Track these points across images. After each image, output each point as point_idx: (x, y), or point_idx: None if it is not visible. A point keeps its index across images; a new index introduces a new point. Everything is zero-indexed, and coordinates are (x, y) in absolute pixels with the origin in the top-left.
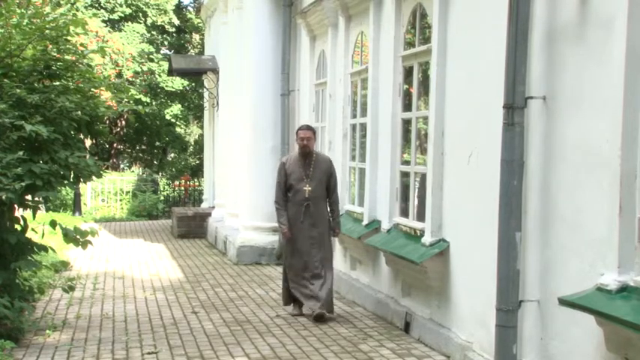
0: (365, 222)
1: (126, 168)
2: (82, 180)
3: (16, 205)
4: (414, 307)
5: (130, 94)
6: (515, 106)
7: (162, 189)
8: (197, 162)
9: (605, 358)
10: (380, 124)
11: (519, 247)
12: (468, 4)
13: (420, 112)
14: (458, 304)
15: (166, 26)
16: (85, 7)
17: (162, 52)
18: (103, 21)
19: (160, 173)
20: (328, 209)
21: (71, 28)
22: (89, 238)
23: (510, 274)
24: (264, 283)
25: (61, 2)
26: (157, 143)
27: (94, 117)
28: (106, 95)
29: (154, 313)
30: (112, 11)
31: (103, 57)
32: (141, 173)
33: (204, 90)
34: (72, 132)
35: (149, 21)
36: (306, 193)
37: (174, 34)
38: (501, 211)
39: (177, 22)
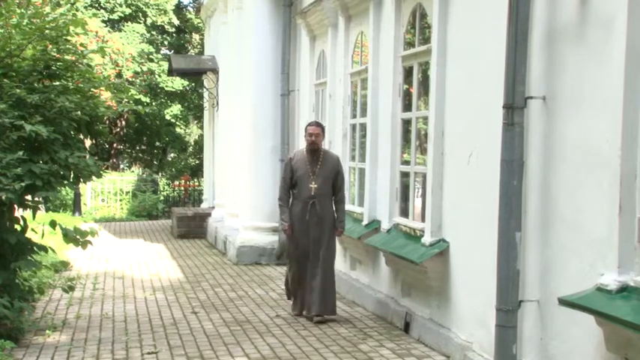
0: (365, 222)
1: (126, 168)
2: (81, 180)
3: (15, 205)
4: (414, 307)
5: (129, 94)
6: (515, 106)
7: (162, 189)
8: (197, 162)
9: (605, 358)
10: (380, 124)
11: (519, 247)
12: (468, 4)
13: (419, 112)
14: (458, 304)
15: (166, 26)
16: (85, 7)
17: (162, 52)
18: (103, 21)
19: (160, 173)
20: (334, 208)
21: (71, 28)
22: (89, 238)
23: (510, 274)
24: (264, 283)
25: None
26: (157, 143)
27: (94, 117)
28: (105, 95)
29: (153, 313)
30: (112, 11)
31: (103, 57)
32: (141, 173)
33: (204, 90)
34: (72, 132)
35: (149, 21)
36: (312, 191)
37: (174, 34)
38: (501, 211)
39: (177, 22)
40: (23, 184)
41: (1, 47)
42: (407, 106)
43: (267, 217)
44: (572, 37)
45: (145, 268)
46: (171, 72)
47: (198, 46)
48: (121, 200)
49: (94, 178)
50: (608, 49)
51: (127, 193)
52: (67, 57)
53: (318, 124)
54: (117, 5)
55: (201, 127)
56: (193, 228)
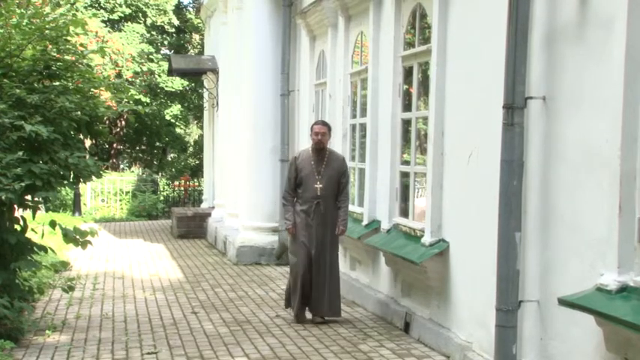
0: (365, 222)
1: (126, 168)
2: (81, 180)
3: (15, 206)
4: (414, 307)
5: (129, 94)
6: (514, 106)
7: (161, 189)
8: (197, 162)
9: (605, 359)
10: (380, 124)
11: (519, 247)
12: (468, 4)
13: (419, 112)
14: (458, 304)
15: (166, 26)
16: (85, 8)
17: (161, 52)
18: (103, 21)
19: (160, 173)
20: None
21: (71, 28)
22: (89, 238)
23: (510, 274)
24: (264, 284)
25: (61, 2)
26: (157, 143)
27: (94, 117)
28: (105, 95)
29: (153, 314)
30: (112, 11)
31: (103, 57)
32: (140, 173)
33: (204, 90)
34: (72, 132)
35: (149, 21)
36: (318, 191)
37: (173, 35)
38: (501, 211)
39: (176, 22)
40: (23, 184)
41: (1, 47)
42: (407, 106)
43: (267, 217)
44: (572, 37)
45: (144, 268)
46: (171, 72)
47: (198, 47)
48: (120, 200)
49: (93, 178)
50: (608, 49)
51: (127, 193)
52: (67, 57)
53: (324, 123)
54: (117, 5)
55: (201, 127)
56: (193, 228)
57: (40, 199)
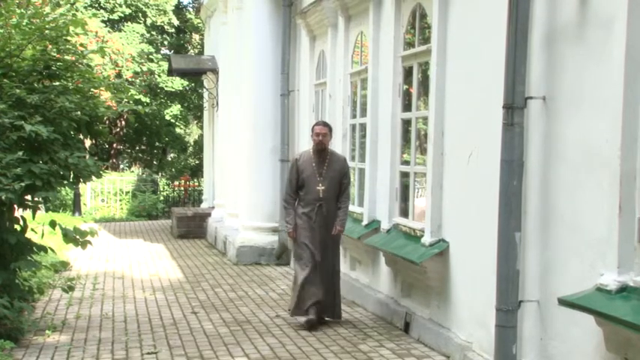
0: (365, 222)
1: (126, 168)
2: (81, 180)
3: (15, 206)
4: (414, 307)
5: (129, 94)
6: (514, 106)
7: (161, 189)
8: (197, 162)
9: (605, 359)
10: (380, 124)
11: (519, 247)
12: (468, 4)
13: (419, 112)
14: (457, 304)
15: (166, 26)
16: (85, 8)
17: (161, 52)
18: (103, 21)
19: (160, 173)
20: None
21: (71, 28)
22: (89, 238)
23: (510, 274)
24: (264, 284)
25: (61, 2)
26: (157, 143)
27: (94, 117)
28: (105, 95)
29: (153, 314)
30: (112, 11)
31: (103, 57)
32: (140, 173)
33: (204, 90)
34: (72, 132)
35: (149, 21)
36: (320, 193)
37: (173, 35)
38: (501, 211)
39: (176, 22)
40: (23, 184)
41: (1, 47)
42: (407, 106)
43: (267, 217)
44: (572, 37)
45: (144, 268)
46: (171, 72)
47: (198, 47)
48: (120, 200)
49: (93, 178)
50: (608, 49)
51: (127, 193)
52: (66, 57)
53: (325, 124)
54: (117, 5)
55: (201, 127)
56: (193, 228)
57: (40, 199)
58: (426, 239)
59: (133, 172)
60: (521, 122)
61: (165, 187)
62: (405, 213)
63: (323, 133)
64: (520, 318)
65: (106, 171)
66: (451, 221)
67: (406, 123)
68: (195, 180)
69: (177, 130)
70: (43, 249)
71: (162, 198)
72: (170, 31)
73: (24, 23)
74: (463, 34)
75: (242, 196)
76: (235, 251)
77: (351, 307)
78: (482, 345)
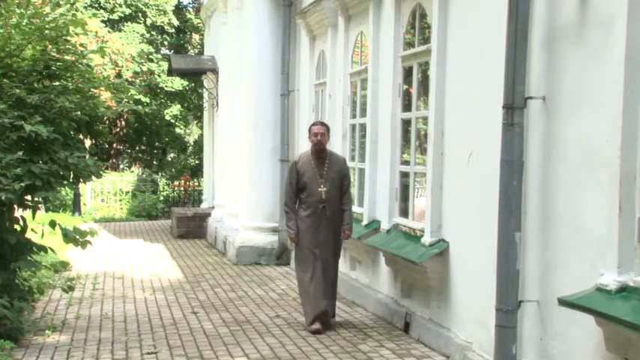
0: (364, 222)
1: (125, 168)
2: (81, 180)
3: (15, 206)
4: (414, 307)
5: (129, 94)
6: (514, 106)
7: (161, 189)
8: (197, 162)
9: (605, 359)
10: (379, 124)
11: (519, 248)
12: (468, 4)
13: (419, 112)
14: (457, 304)
15: (166, 26)
16: (85, 8)
17: (161, 52)
18: (103, 21)
19: (160, 173)
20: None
21: (71, 28)
22: (88, 238)
23: (510, 274)
24: (264, 284)
25: (61, 2)
26: (157, 143)
27: (94, 117)
28: (105, 95)
29: (153, 314)
30: (112, 11)
31: (103, 57)
32: (140, 173)
33: (204, 90)
34: (71, 132)
35: (149, 21)
36: (323, 195)
37: (173, 35)
38: (501, 211)
39: (176, 22)
40: (23, 184)
41: (0, 47)
42: (407, 106)
43: (266, 218)
44: (572, 37)
45: (144, 269)
46: (171, 72)
47: (198, 47)
48: (120, 200)
49: (93, 178)
50: (608, 49)
51: (127, 193)
52: (66, 57)
53: (322, 124)
54: (117, 5)
55: (201, 127)
56: (193, 228)
57: (40, 199)
58: (426, 239)
59: (132, 172)
60: (521, 122)
61: (165, 187)
62: (405, 213)
63: (321, 132)
64: (520, 318)
65: (106, 171)
66: (451, 221)
67: (406, 123)
68: (195, 180)
69: (177, 130)
70: (43, 249)
71: (162, 198)
72: (170, 31)
73: (24, 23)
74: (463, 34)
75: (242, 196)
76: (235, 251)
77: (351, 307)
78: (482, 345)
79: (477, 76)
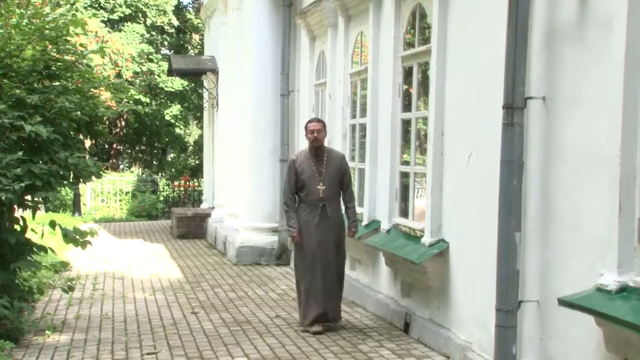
0: (364, 222)
1: (125, 168)
2: (81, 180)
3: (15, 206)
4: (414, 307)
5: (129, 94)
6: (514, 106)
7: (161, 189)
8: (197, 162)
9: (605, 359)
10: (379, 124)
11: (519, 248)
12: (468, 4)
13: (419, 112)
14: (457, 304)
15: (166, 27)
16: (85, 8)
17: (161, 52)
18: (103, 21)
19: (160, 174)
20: (343, 209)
21: (71, 28)
22: (88, 238)
23: (510, 274)
24: (264, 284)
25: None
26: (157, 144)
27: (94, 117)
28: (105, 95)
29: (153, 314)
30: (112, 11)
31: (103, 57)
32: (140, 174)
33: (204, 90)
34: (71, 132)
35: (149, 21)
36: (321, 193)
37: (173, 35)
38: (501, 211)
39: (176, 22)
40: (23, 184)
41: (0, 47)
42: (407, 107)
43: (266, 218)
44: (572, 37)
45: (144, 269)
46: (171, 72)
47: (198, 47)
48: (120, 200)
49: (93, 178)
50: (607, 49)
51: (127, 193)
52: (66, 57)
53: (319, 120)
54: (117, 5)
55: (201, 128)
56: (193, 228)
57: (40, 199)
58: (426, 239)
59: (132, 172)
60: (521, 122)
61: (165, 188)
62: (404, 213)
63: (317, 129)
64: (520, 318)
65: (106, 171)
66: (451, 221)
67: (406, 123)
68: (195, 180)
69: (177, 130)
70: (43, 249)
71: (162, 198)
72: (170, 31)
73: (24, 23)
74: (463, 34)
75: (242, 197)
76: (235, 251)
77: (351, 307)
78: (482, 345)
79: (477, 76)
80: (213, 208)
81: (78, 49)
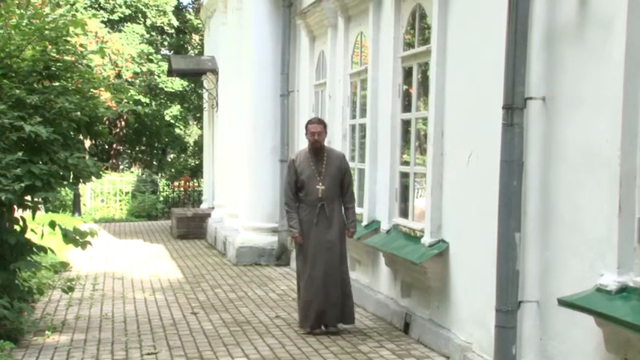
0: (364, 223)
1: (125, 169)
2: (81, 181)
3: (15, 206)
4: (414, 307)
5: (129, 94)
6: (514, 106)
7: (161, 190)
8: (196, 163)
9: (605, 359)
10: (379, 124)
11: (519, 248)
12: (468, 4)
13: (419, 112)
14: (457, 304)
15: (166, 27)
16: (85, 8)
17: (161, 52)
18: (103, 22)
19: (160, 174)
20: (343, 209)
21: (70, 28)
22: (88, 238)
23: (510, 274)
24: (264, 284)
25: (61, 3)
26: (157, 144)
27: (94, 117)
28: (105, 96)
29: (153, 314)
30: (112, 12)
31: (103, 58)
32: (140, 174)
33: (204, 91)
34: (71, 133)
35: (148, 22)
36: (320, 193)
37: (173, 35)
38: (501, 211)
39: (176, 23)
40: (23, 184)
41: (0, 48)
42: (406, 107)
43: (266, 218)
44: (572, 38)
45: (144, 269)
46: (170, 72)
47: (198, 47)
48: (120, 201)
49: (93, 178)
50: (607, 49)
51: (127, 193)
52: (66, 57)
53: (319, 121)
54: (116, 6)
55: (201, 128)
56: (193, 228)
57: (40, 199)
58: (426, 240)
59: (132, 172)
60: (520, 122)
61: (165, 188)
62: (404, 213)
63: (318, 131)
64: (520, 318)
65: (106, 171)
66: (451, 222)
67: (406, 123)
68: (195, 180)
69: (177, 130)
70: (42, 249)
71: (161, 198)
72: (170, 31)
73: (24, 24)
74: (463, 34)
75: (242, 197)
76: (235, 252)
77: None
78: (482, 345)
79: (476, 77)
80: (213, 208)
81: (78, 49)
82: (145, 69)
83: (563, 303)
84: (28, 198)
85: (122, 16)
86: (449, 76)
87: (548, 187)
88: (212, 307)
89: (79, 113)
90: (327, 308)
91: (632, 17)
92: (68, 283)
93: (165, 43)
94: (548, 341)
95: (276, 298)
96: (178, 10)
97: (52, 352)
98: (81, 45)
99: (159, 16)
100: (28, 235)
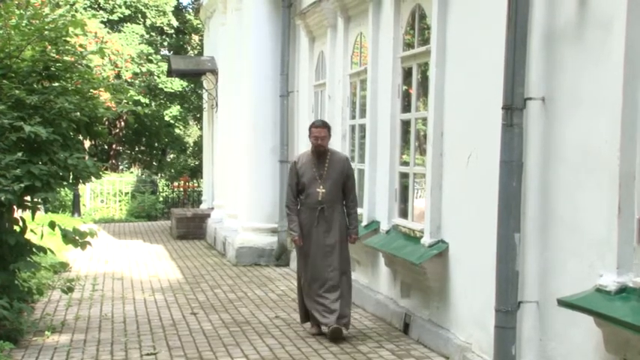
0: (364, 223)
1: (125, 169)
2: (81, 181)
3: (15, 207)
4: (413, 308)
5: (129, 95)
6: (514, 107)
7: (161, 190)
8: (196, 163)
9: (604, 359)
10: (379, 125)
11: (518, 248)
12: (468, 5)
13: (419, 113)
14: (457, 305)
15: (165, 27)
16: (84, 8)
17: (161, 53)
18: (102, 22)
19: (159, 174)
20: (345, 213)
21: (70, 29)
22: (88, 239)
23: (509, 275)
24: (264, 284)
25: (60, 3)
26: (156, 144)
27: (93, 118)
28: (105, 96)
29: (153, 314)
30: (111, 12)
31: (102, 58)
32: (140, 174)
33: (204, 91)
34: (71, 133)
35: (148, 22)
36: (320, 196)
37: (173, 36)
38: (500, 212)
39: (176, 23)
40: (22, 185)
41: (0, 48)
42: (406, 107)
43: (266, 218)
44: (571, 38)
45: (144, 269)
46: (170, 73)
47: (198, 47)
48: (120, 201)
49: (93, 179)
50: (607, 49)
51: (126, 194)
52: (66, 58)
53: (324, 125)
54: (116, 6)
55: (201, 128)
56: (192, 229)
57: (40, 200)
58: (426, 240)
59: (132, 172)
60: (520, 123)
61: (165, 188)
62: (404, 214)
63: (322, 136)
64: (519, 319)
65: (106, 172)
66: (450, 222)
67: (405, 124)
68: (195, 181)
69: (177, 130)
70: (42, 250)
71: (161, 199)
72: (169, 32)
73: (23, 24)
74: (462, 35)
75: (241, 197)
76: (235, 252)
77: (351, 308)
78: (482, 346)
79: (476, 77)
80: (212, 208)
81: (77, 49)
82: (144, 69)
83: (563, 303)
84: (28, 198)
85: (122, 16)
86: (448, 77)
87: (548, 187)
88: (212, 308)
89: (78, 114)
90: (320, 309)
91: (631, 18)
92: (68, 284)
93: (165, 44)
94: (548, 342)
95: (276, 298)
96: (178, 11)
97: (52, 352)
98: (80, 45)
99: (158, 17)
100: (28, 235)
